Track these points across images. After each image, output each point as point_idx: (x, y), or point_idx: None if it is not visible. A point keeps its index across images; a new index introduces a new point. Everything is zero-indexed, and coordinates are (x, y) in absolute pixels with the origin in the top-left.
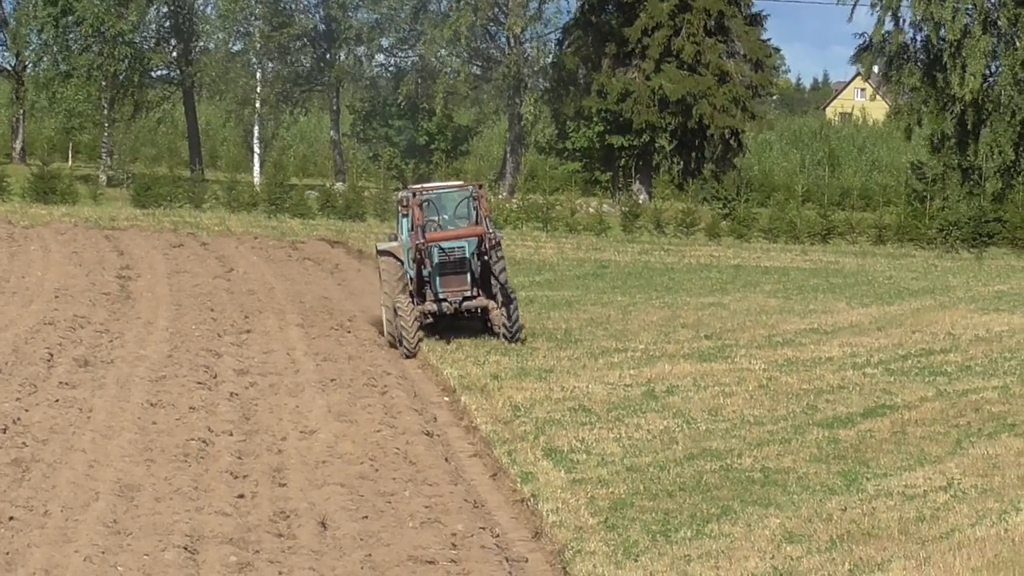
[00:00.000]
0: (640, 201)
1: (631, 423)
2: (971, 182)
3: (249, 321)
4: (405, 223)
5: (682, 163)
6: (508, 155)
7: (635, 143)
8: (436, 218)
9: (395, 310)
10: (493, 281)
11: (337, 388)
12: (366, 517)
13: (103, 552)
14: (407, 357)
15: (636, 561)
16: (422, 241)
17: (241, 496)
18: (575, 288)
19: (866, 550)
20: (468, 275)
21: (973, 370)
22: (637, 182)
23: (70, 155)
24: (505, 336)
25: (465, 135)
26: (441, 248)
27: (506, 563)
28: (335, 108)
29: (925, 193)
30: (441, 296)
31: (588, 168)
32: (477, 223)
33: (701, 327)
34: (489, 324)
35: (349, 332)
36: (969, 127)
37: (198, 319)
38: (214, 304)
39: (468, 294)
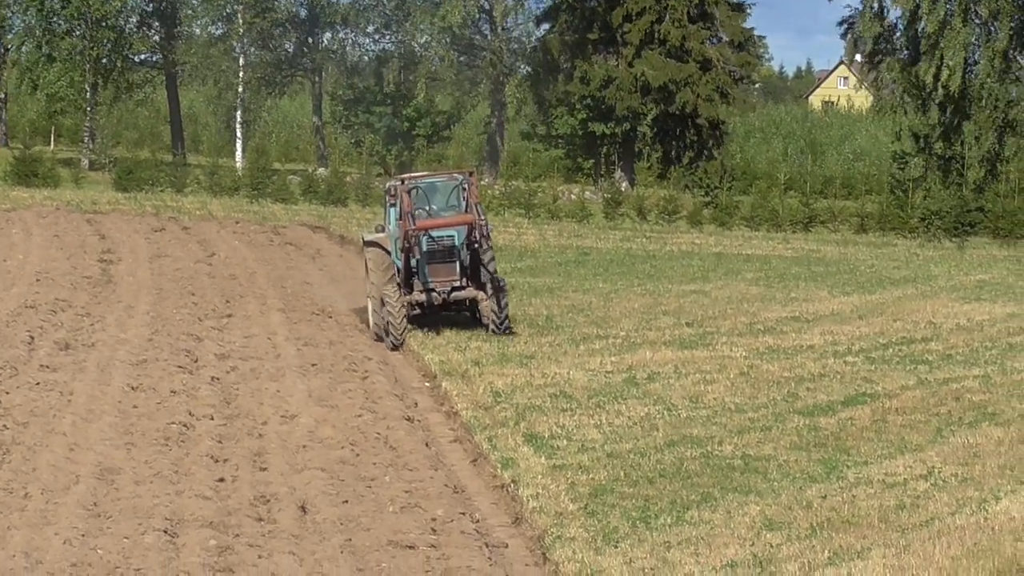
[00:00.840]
0: (622, 188)
1: (612, 409)
2: (954, 171)
3: (230, 305)
4: (393, 213)
5: (662, 151)
6: (493, 141)
7: (617, 131)
8: (426, 207)
9: (382, 300)
10: (482, 272)
11: (318, 373)
12: (346, 502)
13: (83, 535)
14: (393, 348)
15: (616, 547)
16: (412, 228)
17: (221, 480)
18: (557, 275)
19: (846, 538)
20: (457, 264)
21: (954, 359)
22: (619, 169)
23: (52, 138)
24: (494, 328)
25: (447, 121)
26: (430, 236)
27: (486, 548)
28: (317, 93)
29: (907, 182)
30: (429, 286)
31: (571, 155)
32: (467, 212)
33: (682, 314)
34: (478, 316)
35: (330, 317)
36: (950, 119)
37: (179, 303)
38: (195, 288)
39: (457, 284)
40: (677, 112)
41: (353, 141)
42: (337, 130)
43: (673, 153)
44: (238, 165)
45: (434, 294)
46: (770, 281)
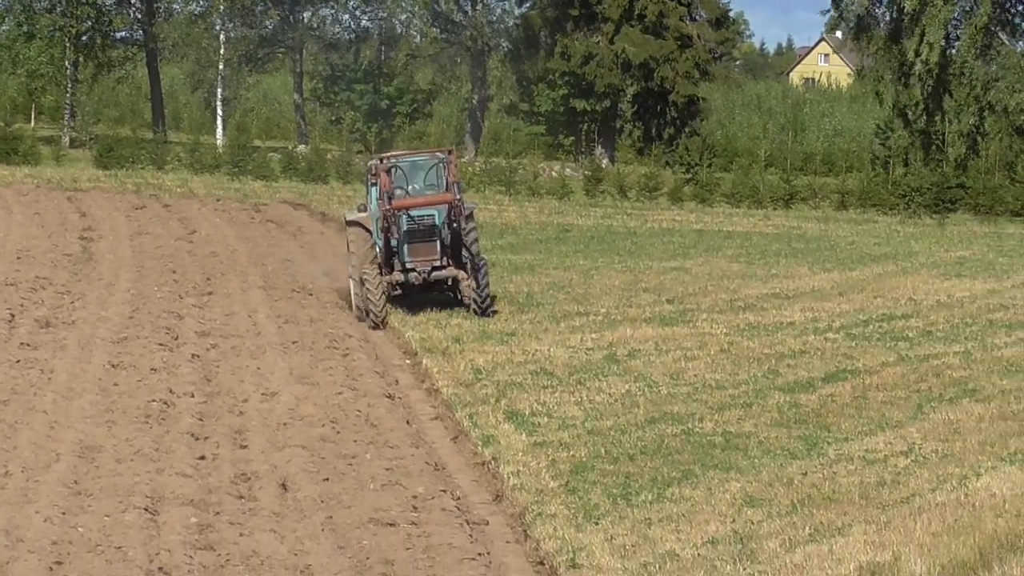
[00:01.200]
0: (603, 165)
1: (592, 386)
2: (934, 148)
3: (211, 283)
4: (374, 192)
5: (643, 127)
6: (474, 118)
7: (598, 107)
8: (405, 186)
9: (362, 281)
10: (464, 251)
11: (299, 350)
12: (327, 479)
13: (63, 513)
14: (374, 328)
15: (596, 524)
16: (389, 207)
17: (202, 458)
18: (537, 252)
19: (826, 514)
20: (437, 243)
21: (934, 335)
22: (600, 146)
23: (33, 116)
24: (475, 309)
25: (427, 98)
26: (410, 215)
27: (467, 525)
28: (298, 71)
29: (888, 159)
30: (409, 265)
31: (551, 132)
32: (447, 191)
33: (663, 291)
34: (459, 296)
35: (311, 295)
36: (930, 95)
37: (160, 281)
38: (176, 266)
39: (437, 263)
40: (657, 89)
41: (333, 119)
42: (317, 107)
43: (654, 130)
44: (219, 142)
45: (414, 274)
46: (751, 258)
